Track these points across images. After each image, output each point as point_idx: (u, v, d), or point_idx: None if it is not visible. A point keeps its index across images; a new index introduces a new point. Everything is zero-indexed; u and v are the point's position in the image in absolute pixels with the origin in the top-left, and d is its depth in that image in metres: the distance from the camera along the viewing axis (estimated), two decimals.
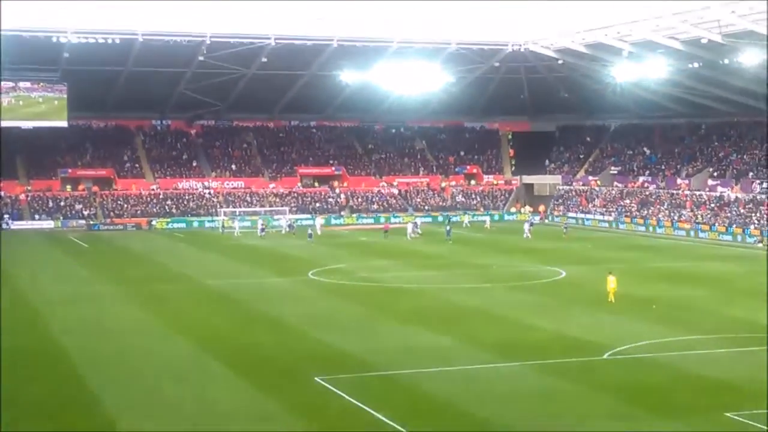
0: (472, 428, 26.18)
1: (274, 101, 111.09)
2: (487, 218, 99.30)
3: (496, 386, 30.76)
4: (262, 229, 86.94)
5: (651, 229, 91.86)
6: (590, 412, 27.70)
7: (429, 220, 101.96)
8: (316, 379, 31.10)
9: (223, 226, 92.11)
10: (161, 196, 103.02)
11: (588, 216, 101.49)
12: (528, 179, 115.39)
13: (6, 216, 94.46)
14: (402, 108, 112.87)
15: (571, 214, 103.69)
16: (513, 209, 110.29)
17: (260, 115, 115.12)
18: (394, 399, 29.05)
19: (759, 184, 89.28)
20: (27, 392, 29.76)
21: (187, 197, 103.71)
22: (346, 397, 29.03)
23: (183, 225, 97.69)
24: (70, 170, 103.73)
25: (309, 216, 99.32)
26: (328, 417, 27.26)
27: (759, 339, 37.58)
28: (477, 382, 31.30)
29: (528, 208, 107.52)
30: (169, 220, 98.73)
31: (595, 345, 36.30)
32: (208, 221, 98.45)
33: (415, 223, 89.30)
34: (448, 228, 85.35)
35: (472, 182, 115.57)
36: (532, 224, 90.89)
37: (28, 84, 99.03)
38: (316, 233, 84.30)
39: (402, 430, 25.69)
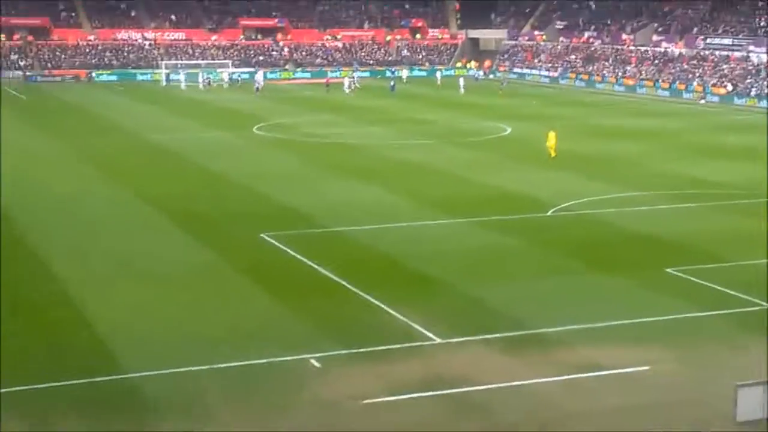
0: (416, 284, 26.26)
1: None
2: (438, 74, 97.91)
3: (440, 242, 30.84)
4: (207, 82, 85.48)
5: (595, 85, 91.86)
6: (533, 267, 27.96)
7: (367, 75, 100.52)
8: (261, 234, 30.96)
9: (167, 79, 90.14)
10: (99, 48, 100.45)
11: (533, 71, 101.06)
12: (473, 33, 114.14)
13: None
14: None
15: (516, 70, 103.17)
16: (459, 64, 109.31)
17: None
18: (338, 254, 29.04)
19: (703, 39, 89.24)
20: None
21: (126, 49, 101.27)
22: (291, 252, 28.98)
23: (121, 78, 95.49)
24: (2, 18, 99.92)
25: (252, 69, 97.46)
26: (273, 271, 27.24)
27: (700, 195, 38.07)
28: (420, 238, 31.36)
29: (473, 63, 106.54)
30: (109, 72, 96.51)
31: (540, 202, 36.46)
32: (141, 74, 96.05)
33: (353, 77, 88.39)
34: (392, 83, 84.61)
35: (417, 36, 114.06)
36: (477, 78, 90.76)
37: None
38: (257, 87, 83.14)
39: (346, 284, 25.75)
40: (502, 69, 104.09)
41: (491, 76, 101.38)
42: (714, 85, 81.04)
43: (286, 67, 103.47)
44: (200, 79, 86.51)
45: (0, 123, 57.01)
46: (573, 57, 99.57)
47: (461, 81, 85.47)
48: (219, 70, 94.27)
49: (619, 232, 32.21)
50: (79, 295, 24.72)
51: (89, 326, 22.49)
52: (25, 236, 30.96)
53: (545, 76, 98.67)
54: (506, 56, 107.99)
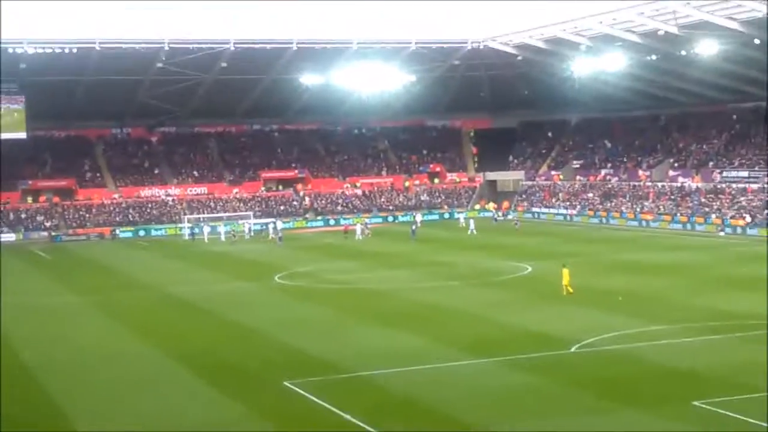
0: (442, 427, 26.13)
1: (234, 106, 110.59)
2: (461, 216, 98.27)
3: (465, 384, 30.72)
4: (231, 235, 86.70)
5: (613, 221, 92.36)
6: (559, 407, 27.76)
7: (380, 220, 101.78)
8: (284, 383, 30.93)
9: (193, 234, 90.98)
10: (123, 205, 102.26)
11: (551, 210, 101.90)
12: (491, 176, 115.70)
13: None
14: (363, 109, 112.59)
15: (534, 209, 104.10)
16: (478, 206, 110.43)
17: (221, 120, 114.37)
18: (363, 400, 28.94)
19: (719, 173, 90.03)
20: None
21: (149, 205, 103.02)
22: (315, 400, 28.91)
23: (144, 233, 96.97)
24: (30, 182, 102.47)
25: (272, 219, 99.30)
26: (297, 421, 27.08)
27: (724, 327, 37.88)
28: (446, 381, 31.24)
29: (492, 205, 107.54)
30: (132, 228, 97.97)
31: (563, 339, 36.38)
32: (155, 229, 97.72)
33: (365, 224, 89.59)
34: (413, 228, 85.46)
35: (436, 180, 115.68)
36: (495, 219, 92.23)
37: None
38: (276, 237, 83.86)
39: (372, 430, 25.59)
40: (519, 209, 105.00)
41: (509, 216, 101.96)
42: (732, 217, 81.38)
43: (307, 215, 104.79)
44: (221, 232, 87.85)
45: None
46: (590, 195, 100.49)
47: (472, 223, 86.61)
48: (239, 222, 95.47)
49: (644, 366, 32.01)
50: None
51: None
52: (49, 394, 31.00)
53: (563, 215, 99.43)
54: (524, 196, 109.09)
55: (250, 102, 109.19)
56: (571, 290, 46.52)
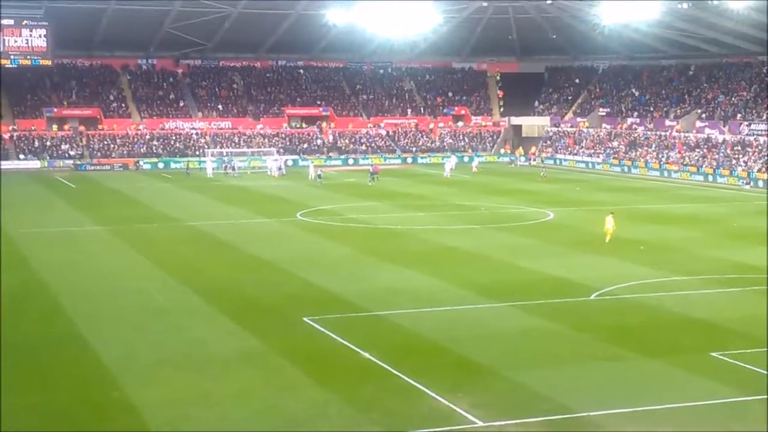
0: (458, 368, 26.25)
1: (260, 41, 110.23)
2: (476, 160, 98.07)
3: (482, 326, 30.83)
4: (229, 168, 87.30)
5: (638, 171, 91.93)
6: (575, 352, 27.82)
7: (398, 161, 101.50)
8: (304, 319, 31.14)
9: (232, 168, 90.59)
10: (147, 137, 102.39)
11: (575, 157, 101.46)
12: (516, 120, 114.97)
13: None
14: (390, 49, 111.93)
15: (559, 156, 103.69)
16: (503, 150, 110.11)
17: (247, 55, 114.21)
18: (381, 339, 29.10)
19: (747, 125, 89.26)
20: (13, 330, 29.71)
21: (173, 137, 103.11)
22: (334, 336, 29.09)
23: (166, 165, 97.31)
24: (55, 109, 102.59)
25: (298, 157, 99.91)
26: (316, 356, 27.28)
27: (745, 280, 37.83)
28: (463, 323, 31.36)
29: (520, 150, 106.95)
30: (156, 160, 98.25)
31: (582, 286, 36.40)
32: (175, 161, 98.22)
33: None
34: (449, 167, 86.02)
35: (460, 123, 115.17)
36: (512, 162, 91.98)
37: (11, 21, 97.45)
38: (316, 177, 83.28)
39: (388, 368, 25.77)
40: (545, 155, 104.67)
41: (532, 162, 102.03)
42: (759, 170, 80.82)
43: (330, 154, 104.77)
44: (230, 165, 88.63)
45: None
46: (616, 143, 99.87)
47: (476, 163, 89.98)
48: (264, 157, 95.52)
49: (663, 316, 32.05)
50: (124, 380, 24.92)
51: (134, 411, 22.66)
52: (74, 323, 31.36)
53: (588, 162, 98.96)
54: (549, 142, 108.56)
55: (275, 37, 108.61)
56: (608, 239, 46.20)
